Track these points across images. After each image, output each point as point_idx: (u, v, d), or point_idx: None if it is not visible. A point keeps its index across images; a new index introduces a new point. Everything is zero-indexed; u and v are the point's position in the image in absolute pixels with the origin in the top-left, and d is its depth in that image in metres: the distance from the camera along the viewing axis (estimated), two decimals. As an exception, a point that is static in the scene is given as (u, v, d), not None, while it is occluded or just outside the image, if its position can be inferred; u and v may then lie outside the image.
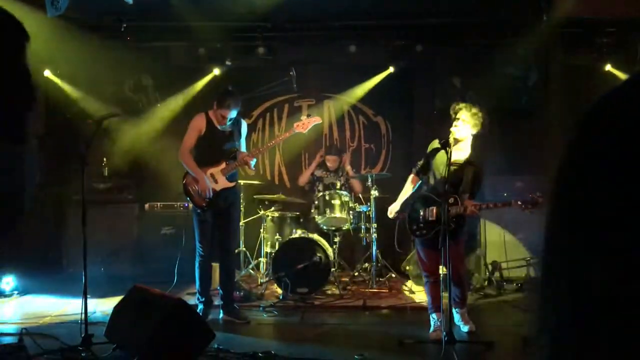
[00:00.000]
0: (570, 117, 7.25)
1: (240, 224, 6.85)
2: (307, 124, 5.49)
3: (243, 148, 5.45)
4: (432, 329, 4.83)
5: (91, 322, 4.47)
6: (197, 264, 5.35)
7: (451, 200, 4.55)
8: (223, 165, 5.25)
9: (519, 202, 4.50)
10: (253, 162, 5.29)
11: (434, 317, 4.87)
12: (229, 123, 5.22)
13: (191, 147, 5.25)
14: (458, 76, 7.22)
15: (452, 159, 4.52)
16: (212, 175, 5.22)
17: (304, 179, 7.61)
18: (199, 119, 5.28)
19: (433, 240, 4.67)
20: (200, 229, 5.29)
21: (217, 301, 5.56)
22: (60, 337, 4.55)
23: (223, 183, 5.25)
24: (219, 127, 5.24)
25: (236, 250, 5.50)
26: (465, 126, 4.68)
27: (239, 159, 5.27)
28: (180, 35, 7.03)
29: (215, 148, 5.25)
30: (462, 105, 4.77)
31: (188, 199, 5.30)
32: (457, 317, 4.97)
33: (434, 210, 4.75)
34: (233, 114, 5.13)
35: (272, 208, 6.93)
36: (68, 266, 7.03)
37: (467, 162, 4.75)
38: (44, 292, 6.35)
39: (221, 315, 5.40)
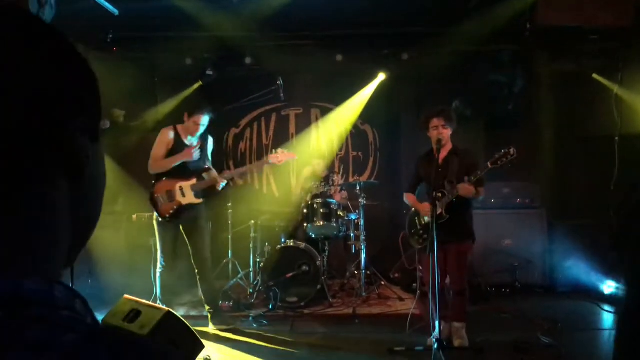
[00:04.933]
0: (555, 123, 7.30)
1: (229, 234, 6.86)
2: (282, 158, 5.57)
3: (209, 163, 5.54)
4: (432, 336, 4.77)
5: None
6: (158, 273, 5.46)
7: (439, 195, 4.60)
8: (194, 181, 5.32)
9: (493, 160, 4.54)
10: (222, 184, 5.38)
11: (436, 325, 4.79)
12: (200, 132, 5.29)
13: (160, 159, 5.29)
14: (459, 101, 7.27)
15: (437, 159, 4.66)
16: (181, 188, 5.28)
17: (296, 193, 7.60)
18: (167, 132, 5.36)
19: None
20: (162, 240, 5.38)
21: (204, 312, 5.61)
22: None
23: (190, 198, 5.31)
24: (186, 141, 5.32)
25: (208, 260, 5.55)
26: (447, 130, 4.81)
27: (210, 178, 5.36)
28: (167, 46, 7.02)
29: (184, 163, 5.29)
30: (436, 113, 4.84)
31: (154, 208, 5.33)
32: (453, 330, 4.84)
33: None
34: (205, 120, 5.23)
35: (261, 217, 6.92)
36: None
37: (450, 153, 4.85)
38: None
39: (210, 326, 5.40)
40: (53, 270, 0.60)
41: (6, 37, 0.58)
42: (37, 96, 0.58)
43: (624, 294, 5.93)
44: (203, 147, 5.41)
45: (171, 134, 5.33)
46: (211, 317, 5.48)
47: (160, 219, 5.31)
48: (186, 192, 5.28)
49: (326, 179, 7.32)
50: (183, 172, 5.29)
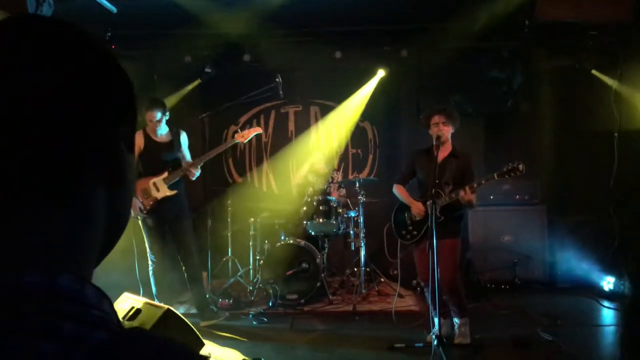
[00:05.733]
0: (555, 119, 7.31)
1: (229, 232, 6.86)
2: (247, 134, 5.74)
3: (187, 157, 5.66)
4: (432, 332, 4.69)
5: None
6: (150, 272, 5.60)
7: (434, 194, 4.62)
8: (165, 174, 5.46)
9: (501, 173, 4.56)
10: (197, 174, 5.51)
11: (435, 322, 4.76)
12: (157, 127, 5.45)
13: None
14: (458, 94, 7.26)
15: (436, 158, 4.67)
16: (154, 184, 5.44)
17: (296, 179, 7.75)
18: (136, 135, 5.50)
19: (423, 240, 4.69)
20: (148, 237, 5.55)
21: (193, 310, 5.71)
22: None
23: (164, 191, 5.45)
24: (156, 138, 5.50)
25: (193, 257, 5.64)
26: (447, 128, 4.83)
27: (182, 168, 5.50)
28: (165, 44, 7.00)
29: (157, 159, 5.47)
30: (437, 110, 4.86)
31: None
32: (455, 326, 4.87)
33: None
34: (157, 115, 5.40)
35: (261, 215, 6.91)
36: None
37: (450, 155, 4.86)
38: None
39: (200, 324, 5.43)
40: (85, 270, 0.64)
41: (65, 54, 0.62)
42: (93, 104, 0.62)
43: (628, 289, 5.96)
44: (174, 144, 5.56)
45: (140, 137, 5.51)
46: (200, 315, 5.58)
47: (139, 217, 5.49)
48: (160, 187, 5.44)
49: (328, 177, 7.31)
50: (155, 168, 5.47)
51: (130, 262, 6.85)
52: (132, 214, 5.43)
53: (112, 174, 0.66)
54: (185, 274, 5.58)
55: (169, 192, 5.45)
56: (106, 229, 0.68)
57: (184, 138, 5.68)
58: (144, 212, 5.42)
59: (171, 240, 5.60)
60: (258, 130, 5.86)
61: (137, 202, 5.39)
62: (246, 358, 4.23)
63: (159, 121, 5.43)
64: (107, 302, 0.61)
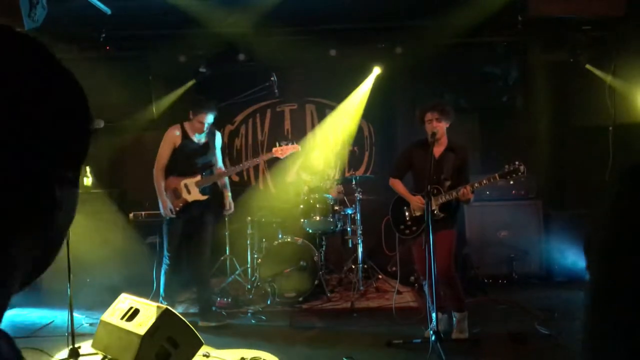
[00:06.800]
0: (550, 114, 7.29)
1: (226, 231, 6.86)
2: (285, 150, 5.67)
3: (219, 158, 5.58)
4: (429, 328, 4.67)
5: (78, 334, 4.44)
6: (163, 271, 5.47)
7: (434, 191, 4.64)
8: (198, 177, 5.36)
9: (502, 174, 4.61)
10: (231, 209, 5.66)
11: (433, 317, 4.70)
12: (205, 130, 5.31)
13: (165, 162, 5.34)
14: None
15: (433, 154, 4.71)
16: (186, 185, 5.33)
17: (289, 178, 7.77)
18: (174, 131, 5.37)
19: (422, 235, 4.71)
20: (168, 237, 5.42)
21: (192, 309, 5.74)
22: (47, 350, 4.52)
23: (195, 195, 5.36)
24: (194, 138, 5.35)
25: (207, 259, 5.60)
26: (441, 124, 4.83)
27: (215, 174, 5.42)
28: (160, 44, 7.00)
29: (191, 160, 5.35)
30: (430, 107, 4.88)
31: (161, 206, 5.39)
32: (453, 321, 4.89)
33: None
34: (210, 118, 5.25)
35: (258, 214, 6.92)
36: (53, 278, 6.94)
37: (447, 149, 4.88)
38: (29, 305, 6.28)
39: (199, 323, 5.41)
40: None
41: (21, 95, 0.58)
42: (34, 150, 0.58)
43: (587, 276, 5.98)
44: (209, 145, 5.45)
45: (177, 132, 5.35)
46: (200, 316, 5.54)
47: (167, 218, 5.36)
48: (191, 189, 5.33)
49: (324, 174, 7.34)
50: (189, 169, 5.35)
51: (129, 264, 6.87)
52: (162, 213, 5.33)
53: (43, 221, 0.61)
54: (194, 274, 5.52)
55: (200, 197, 5.36)
56: (40, 255, 0.64)
57: (218, 139, 5.59)
58: (173, 213, 5.31)
59: (188, 240, 5.49)
60: (297, 148, 5.76)
61: (167, 203, 5.27)
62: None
63: (205, 124, 5.27)
64: (4, 343, 0.56)
